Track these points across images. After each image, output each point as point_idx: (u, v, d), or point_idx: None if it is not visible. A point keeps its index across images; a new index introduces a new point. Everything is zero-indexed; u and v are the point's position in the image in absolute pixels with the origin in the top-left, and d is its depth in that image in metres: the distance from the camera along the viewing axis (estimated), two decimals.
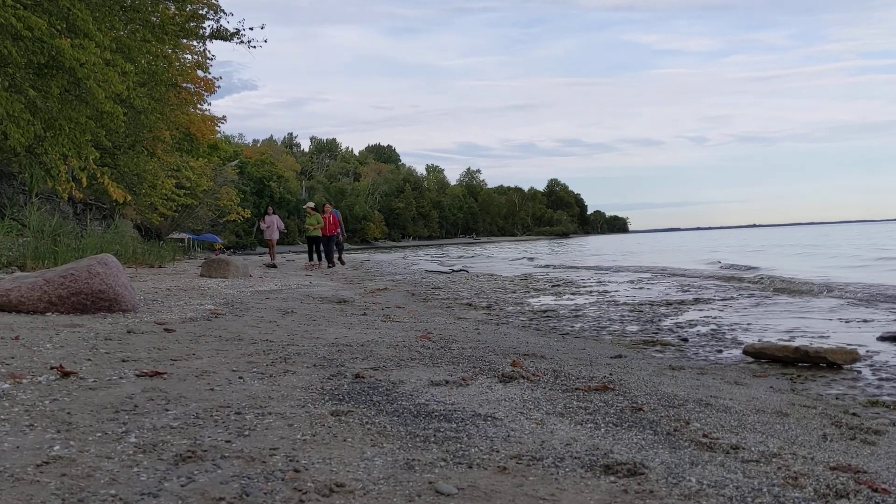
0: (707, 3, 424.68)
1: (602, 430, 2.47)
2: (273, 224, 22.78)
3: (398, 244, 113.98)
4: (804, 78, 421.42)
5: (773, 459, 2.21)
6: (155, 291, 7.80)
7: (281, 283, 11.38)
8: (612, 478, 1.95)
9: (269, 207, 23.98)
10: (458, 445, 2.18)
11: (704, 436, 2.45)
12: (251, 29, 18.06)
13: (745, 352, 4.99)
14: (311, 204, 21.76)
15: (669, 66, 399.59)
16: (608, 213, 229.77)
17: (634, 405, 2.90)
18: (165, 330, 4.59)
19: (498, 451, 2.13)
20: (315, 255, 20.52)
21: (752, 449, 2.32)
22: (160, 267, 14.47)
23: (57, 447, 1.97)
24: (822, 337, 5.87)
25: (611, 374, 3.72)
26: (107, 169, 17.29)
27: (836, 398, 3.67)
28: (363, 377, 3.24)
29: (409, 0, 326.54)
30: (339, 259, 20.95)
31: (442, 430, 2.35)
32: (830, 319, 7.02)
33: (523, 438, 2.29)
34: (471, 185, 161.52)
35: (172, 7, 16.67)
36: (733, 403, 3.14)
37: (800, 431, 2.69)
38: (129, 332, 4.39)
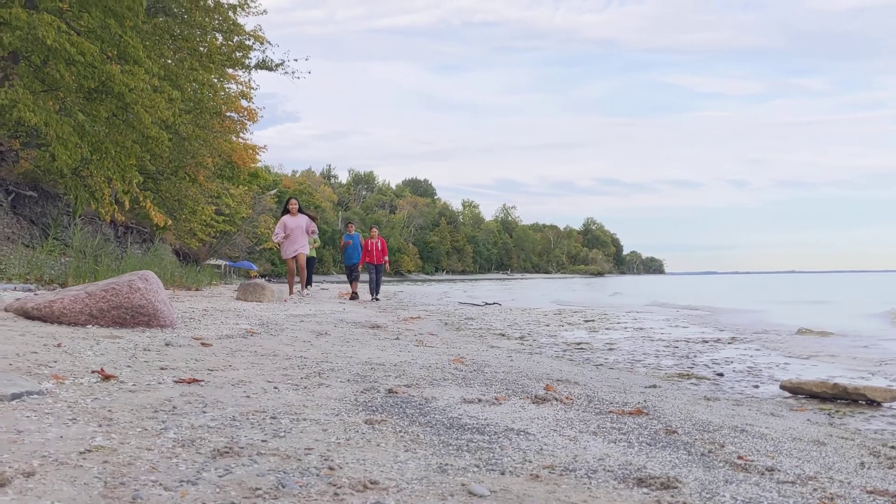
0: (750, 46, 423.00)
1: (635, 448, 2.46)
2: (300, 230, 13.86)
3: (432, 277, 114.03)
4: (847, 124, 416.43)
5: (809, 482, 2.18)
6: (192, 311, 7.89)
7: (315, 308, 11.45)
8: (645, 489, 1.94)
9: (296, 199, 14.36)
10: (491, 454, 2.18)
11: (739, 458, 2.43)
12: (296, 60, 18.47)
13: (783, 387, 4.91)
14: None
15: (710, 109, 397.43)
16: (644, 254, 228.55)
17: (668, 428, 2.88)
18: (202, 344, 4.65)
19: (531, 461, 2.14)
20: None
21: (788, 471, 2.29)
22: (197, 290, 14.64)
23: (99, 438, 2.02)
24: (862, 378, 5.76)
25: (645, 401, 3.69)
26: (149, 193, 17.67)
27: (875, 432, 3.60)
28: (396, 392, 3.25)
29: (455, 39, 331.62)
30: (354, 293, 16.48)
31: (475, 440, 2.36)
32: (871, 361, 6.89)
33: (556, 452, 2.29)
34: (506, 220, 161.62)
35: (220, 38, 17.10)
36: (769, 431, 3.10)
37: (837, 458, 2.65)
38: (167, 344, 4.46)
